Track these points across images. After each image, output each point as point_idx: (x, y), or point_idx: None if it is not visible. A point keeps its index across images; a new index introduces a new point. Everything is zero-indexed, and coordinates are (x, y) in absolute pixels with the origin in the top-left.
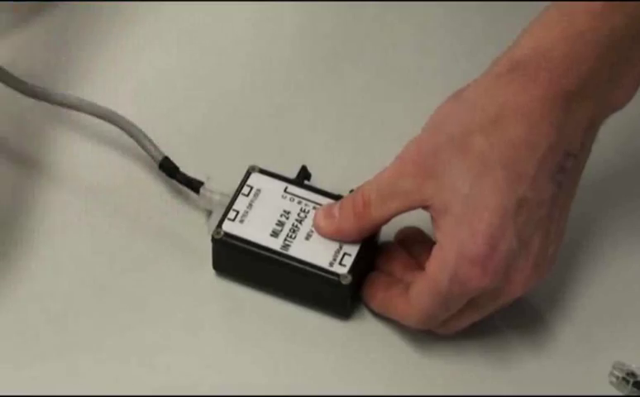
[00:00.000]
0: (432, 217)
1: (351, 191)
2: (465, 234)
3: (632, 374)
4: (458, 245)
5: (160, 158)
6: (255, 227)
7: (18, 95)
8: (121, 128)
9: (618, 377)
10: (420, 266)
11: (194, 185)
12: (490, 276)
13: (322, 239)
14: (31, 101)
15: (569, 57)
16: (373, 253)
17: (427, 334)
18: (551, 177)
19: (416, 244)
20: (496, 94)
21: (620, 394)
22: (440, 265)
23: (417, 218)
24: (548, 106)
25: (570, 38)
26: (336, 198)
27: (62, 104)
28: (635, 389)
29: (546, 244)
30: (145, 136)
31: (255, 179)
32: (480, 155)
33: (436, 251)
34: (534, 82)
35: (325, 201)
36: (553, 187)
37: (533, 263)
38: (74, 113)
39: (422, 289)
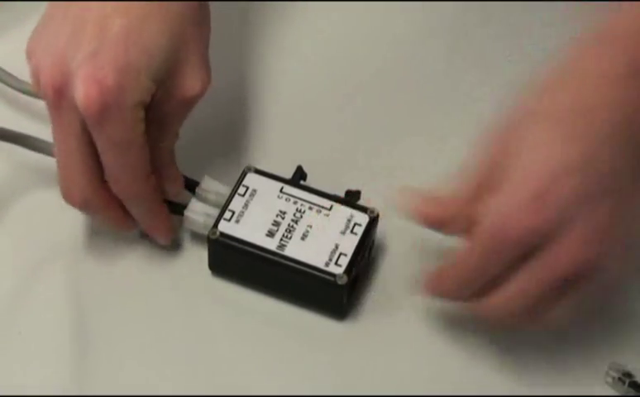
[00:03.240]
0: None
1: (348, 192)
2: (532, 168)
3: (628, 374)
4: (520, 180)
5: None
6: (250, 227)
7: (18, 94)
8: None
9: (614, 377)
10: None
11: (190, 185)
12: (545, 215)
13: (318, 239)
14: (30, 100)
15: None
16: (369, 253)
17: (423, 335)
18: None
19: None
20: (620, 103)
21: (616, 394)
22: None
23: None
24: None
25: None
26: (332, 198)
27: None
28: (631, 390)
29: (609, 223)
30: None
31: (251, 180)
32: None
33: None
34: None
35: (321, 201)
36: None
37: (593, 230)
38: None
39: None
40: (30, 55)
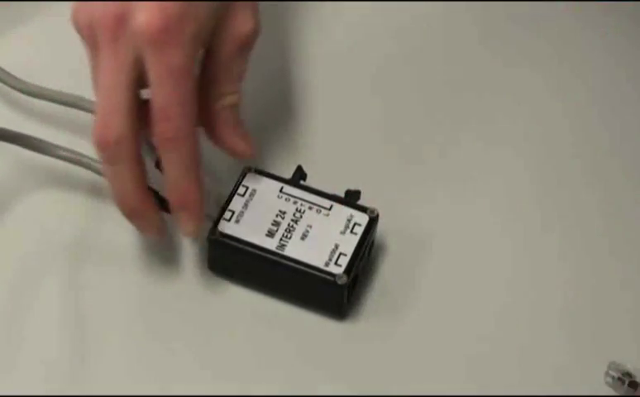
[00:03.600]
0: None
1: (348, 192)
2: None
3: (628, 374)
4: None
5: (156, 156)
6: (250, 227)
7: (18, 94)
8: None
9: (613, 377)
10: None
11: None
12: None
13: (317, 239)
14: (30, 100)
15: None
16: (369, 253)
17: (423, 335)
18: None
19: None
20: None
21: (616, 394)
22: None
23: (420, 222)
24: None
25: None
26: (332, 198)
27: (61, 102)
28: (631, 390)
29: None
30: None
31: (251, 180)
32: None
33: None
34: None
35: (321, 201)
36: None
37: None
38: (73, 111)
39: None
40: (75, 15)
